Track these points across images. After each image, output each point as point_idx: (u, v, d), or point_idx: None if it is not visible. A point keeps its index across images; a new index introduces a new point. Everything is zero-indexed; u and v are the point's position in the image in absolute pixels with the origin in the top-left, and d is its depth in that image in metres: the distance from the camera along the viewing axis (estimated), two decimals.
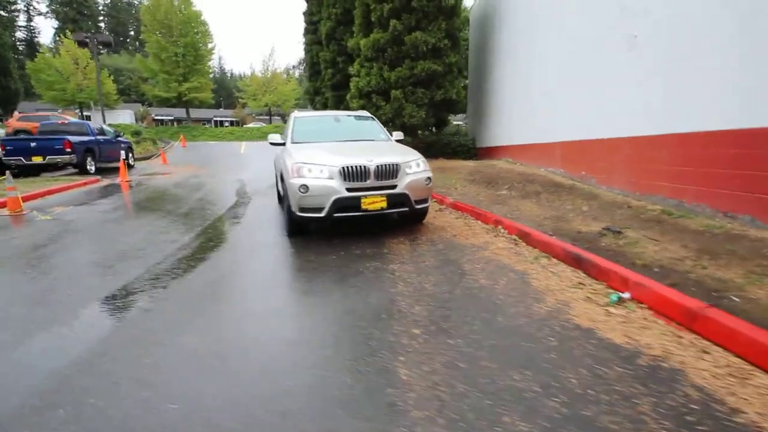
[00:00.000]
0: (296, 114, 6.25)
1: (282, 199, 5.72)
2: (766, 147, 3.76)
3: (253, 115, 56.58)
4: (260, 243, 4.67)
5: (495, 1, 12.15)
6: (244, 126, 44.09)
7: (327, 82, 16.05)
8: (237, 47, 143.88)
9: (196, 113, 47.47)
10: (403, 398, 1.91)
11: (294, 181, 4.43)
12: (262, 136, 30.00)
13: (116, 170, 12.47)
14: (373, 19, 12.42)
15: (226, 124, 52.41)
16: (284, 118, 45.08)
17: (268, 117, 51.24)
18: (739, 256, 3.22)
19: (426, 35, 11.64)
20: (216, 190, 9.28)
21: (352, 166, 4.38)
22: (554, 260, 3.69)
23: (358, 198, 4.39)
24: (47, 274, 3.78)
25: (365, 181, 4.40)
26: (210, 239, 4.93)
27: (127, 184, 10.40)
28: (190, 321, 2.76)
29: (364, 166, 4.41)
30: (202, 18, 34.51)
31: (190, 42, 32.86)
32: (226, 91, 70.56)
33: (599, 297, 2.91)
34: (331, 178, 4.35)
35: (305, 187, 4.34)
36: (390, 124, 12.47)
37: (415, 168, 4.65)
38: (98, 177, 11.42)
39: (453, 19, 12.25)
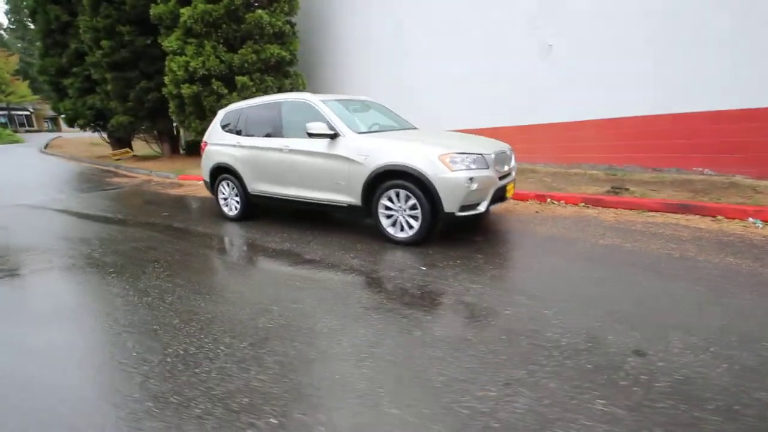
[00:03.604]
0: (321, 98, 4.75)
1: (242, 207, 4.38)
2: (665, 125, 6.08)
3: None
4: None
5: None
6: None
7: (101, 59, 11.55)
8: None
9: None
10: None
11: (456, 175, 3.69)
12: None
13: None
14: None
15: None
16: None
17: None
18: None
19: (272, 17, 10.51)
20: None
21: (499, 153, 4.08)
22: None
23: (505, 186, 4.15)
24: None
25: (505, 167, 4.19)
26: None
27: None
28: None
29: (505, 152, 4.20)
30: None
31: None
32: None
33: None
34: (487, 167, 3.90)
35: (472, 180, 3.73)
36: None
37: None
38: None
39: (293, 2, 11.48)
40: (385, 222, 4.11)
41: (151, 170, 11.34)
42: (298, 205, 4.94)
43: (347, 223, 5.09)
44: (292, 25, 11.31)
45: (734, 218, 4.22)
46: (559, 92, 7.17)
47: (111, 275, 3.56)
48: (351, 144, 4.21)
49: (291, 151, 4.67)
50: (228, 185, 5.47)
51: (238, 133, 5.34)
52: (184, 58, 10.06)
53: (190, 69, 10.06)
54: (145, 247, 4.39)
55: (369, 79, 10.82)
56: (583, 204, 5.19)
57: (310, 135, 4.31)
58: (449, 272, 3.27)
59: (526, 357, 2.06)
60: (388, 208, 4.07)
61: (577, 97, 6.98)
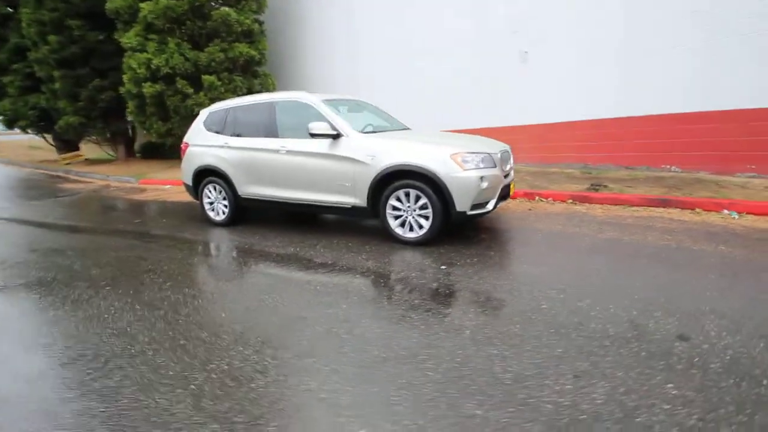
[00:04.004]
0: (320, 97, 4.58)
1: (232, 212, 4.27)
2: (634, 126, 6.52)
3: None
4: None
5: None
6: None
7: (48, 55, 10.53)
8: None
9: None
10: None
11: (468, 174, 3.71)
12: None
13: None
14: None
15: None
16: None
17: None
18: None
19: (239, 14, 10.16)
20: None
21: (503, 152, 4.15)
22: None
23: (508, 185, 4.24)
24: None
25: (507, 166, 4.27)
26: None
27: None
28: None
29: (507, 151, 4.29)
30: None
31: None
32: None
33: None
34: (494, 166, 3.95)
35: (483, 179, 3.77)
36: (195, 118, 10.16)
37: None
38: None
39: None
40: (393, 222, 4.07)
41: (107, 175, 10.54)
42: (295, 208, 4.78)
43: (346, 224, 4.99)
44: (260, 23, 10.98)
45: (711, 210, 4.58)
46: (535, 95, 7.46)
47: (105, 289, 3.25)
48: (355, 144, 4.13)
49: (289, 152, 4.51)
50: (214, 189, 5.18)
51: (226, 133, 5.08)
52: (145, 55, 9.46)
53: (153, 67, 9.48)
54: (133, 257, 4.06)
55: (340, 78, 10.69)
56: (570, 201, 5.42)
57: (313, 135, 4.18)
58: (470, 270, 3.28)
59: (582, 349, 2.10)
60: (395, 208, 4.03)
61: (552, 99, 7.30)
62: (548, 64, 7.26)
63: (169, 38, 9.69)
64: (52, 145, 14.42)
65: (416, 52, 8.90)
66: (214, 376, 2.01)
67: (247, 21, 10.34)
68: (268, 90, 11.27)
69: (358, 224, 5.03)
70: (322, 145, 4.30)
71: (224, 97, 10.11)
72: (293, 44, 11.68)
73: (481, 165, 3.81)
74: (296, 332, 2.40)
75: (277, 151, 4.58)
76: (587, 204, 5.27)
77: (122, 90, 10.18)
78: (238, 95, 10.41)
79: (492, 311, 2.59)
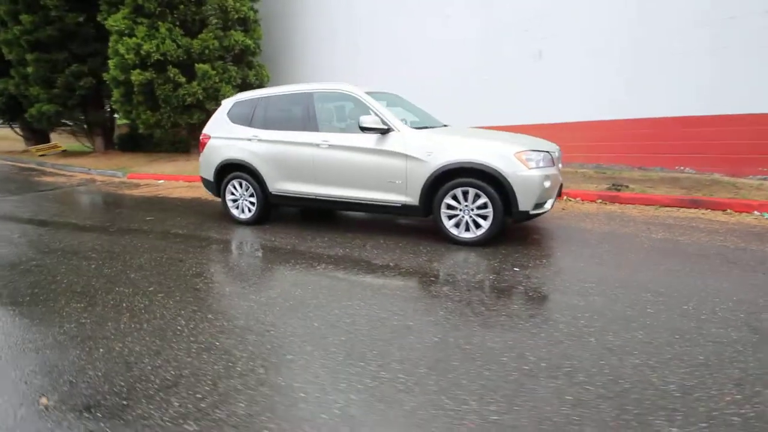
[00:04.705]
0: (365, 90, 4.34)
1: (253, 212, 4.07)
2: (645, 128, 6.69)
3: None
4: None
5: None
6: None
7: (20, 36, 9.55)
8: None
9: None
10: None
11: (533, 173, 3.61)
12: None
13: None
14: None
15: None
16: None
17: None
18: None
19: (236, 0, 9.68)
20: None
21: (558, 151, 4.10)
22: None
23: (561, 184, 4.19)
24: None
25: (559, 165, 4.21)
26: None
27: None
28: None
29: (559, 150, 4.23)
30: None
31: None
32: None
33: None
34: (553, 164, 3.88)
35: (546, 178, 3.69)
36: (187, 109, 9.61)
37: None
38: None
39: None
40: (447, 222, 3.92)
41: (88, 168, 9.78)
42: (334, 207, 4.54)
43: (376, 222, 4.81)
44: (255, 11, 10.51)
45: (741, 212, 4.72)
46: (548, 95, 7.50)
47: (157, 296, 2.93)
48: (409, 140, 3.95)
49: (331, 146, 4.26)
50: (240, 185, 4.85)
51: (255, 125, 4.75)
52: (134, 39, 8.82)
53: (143, 53, 8.86)
54: (168, 259, 3.71)
55: (339, 71, 10.36)
56: (600, 201, 5.47)
57: (364, 129, 3.97)
58: (547, 272, 3.20)
59: (721, 355, 2.05)
60: (450, 207, 3.88)
61: (564, 99, 7.37)
62: (560, 64, 7.32)
63: (159, 23, 9.08)
64: (19, 135, 13.22)
65: (421, 45, 8.76)
66: (356, 401, 1.80)
67: (244, 8, 9.89)
68: (263, 82, 10.82)
69: (392, 222, 4.85)
70: (370, 140, 4.09)
71: (219, 88, 9.63)
72: (289, 34, 11.25)
73: (541, 164, 3.73)
74: (416, 345, 2.22)
75: (317, 146, 4.32)
76: (618, 204, 5.32)
77: (107, 77, 9.46)
78: (233, 86, 9.95)
79: (600, 316, 2.50)
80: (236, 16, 9.76)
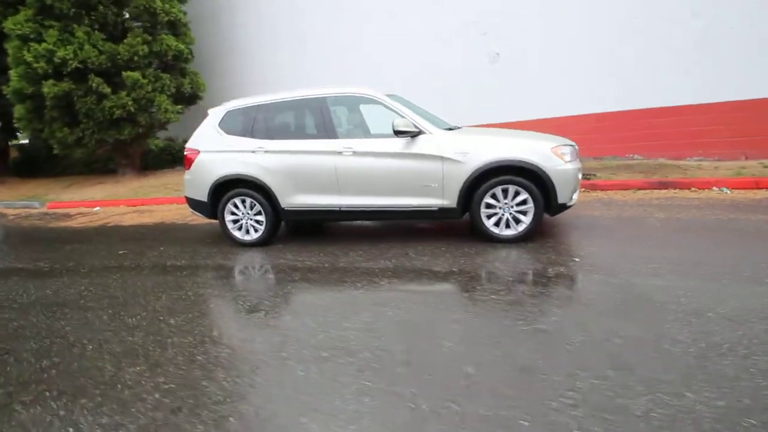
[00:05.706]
0: (386, 94, 4.11)
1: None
2: (595, 123, 7.47)
3: None
4: None
5: None
6: None
7: None
8: None
9: None
10: None
11: (569, 166, 3.74)
12: None
13: None
14: None
15: None
16: None
17: None
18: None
19: (164, 2, 8.73)
20: None
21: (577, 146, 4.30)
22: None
23: None
24: None
25: None
26: None
27: None
28: None
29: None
30: None
31: None
32: None
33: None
34: (578, 158, 4.06)
35: (579, 170, 3.85)
36: (115, 123, 8.44)
37: None
38: None
39: None
40: (487, 221, 3.91)
41: None
42: (361, 217, 4.27)
43: (404, 227, 4.65)
44: (184, 13, 9.58)
45: (703, 188, 5.45)
46: (505, 95, 7.97)
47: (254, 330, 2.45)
48: (442, 142, 3.86)
49: (355, 153, 4.00)
50: (243, 203, 4.33)
51: (257, 136, 4.27)
52: (45, 45, 7.44)
53: (56, 60, 7.51)
54: (198, 296, 3.14)
55: (286, 76, 9.86)
56: (583, 189, 5.90)
57: (398, 134, 3.79)
58: (607, 259, 3.34)
59: None
60: (489, 206, 3.88)
61: (521, 100, 7.89)
62: (515, 65, 7.82)
63: (74, 26, 7.79)
64: None
65: (380, 39, 8.72)
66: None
67: (174, 9, 8.94)
68: (198, 90, 9.89)
69: (409, 226, 4.72)
70: (397, 145, 3.92)
71: (152, 98, 8.56)
72: (224, 38, 10.42)
73: (575, 157, 3.91)
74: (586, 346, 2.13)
75: (339, 153, 4.02)
76: (600, 191, 5.81)
77: (6, 90, 7.83)
78: (167, 95, 8.92)
79: (693, 292, 2.63)
80: (166, 19, 8.78)
